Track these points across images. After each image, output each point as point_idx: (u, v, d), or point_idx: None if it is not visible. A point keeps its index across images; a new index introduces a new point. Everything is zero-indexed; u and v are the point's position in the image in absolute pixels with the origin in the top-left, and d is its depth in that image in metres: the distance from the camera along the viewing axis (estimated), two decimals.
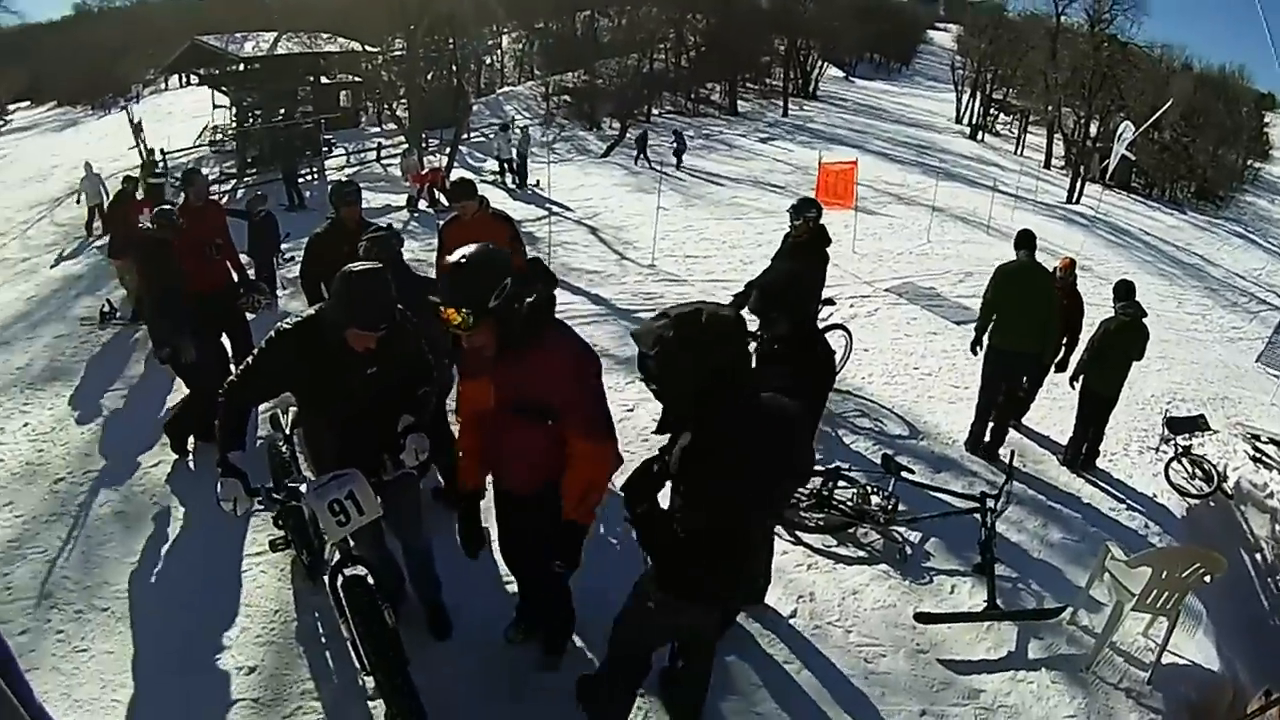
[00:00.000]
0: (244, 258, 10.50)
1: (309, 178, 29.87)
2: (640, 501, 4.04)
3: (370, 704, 5.19)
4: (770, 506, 4.39)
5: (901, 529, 7.22)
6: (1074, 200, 47.22)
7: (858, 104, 70.67)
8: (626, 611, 4.47)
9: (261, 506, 4.96)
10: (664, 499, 4.10)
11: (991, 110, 69.91)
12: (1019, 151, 63.33)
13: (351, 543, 4.85)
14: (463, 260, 4.09)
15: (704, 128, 53.67)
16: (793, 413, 3.85)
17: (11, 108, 66.28)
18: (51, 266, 20.82)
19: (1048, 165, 59.32)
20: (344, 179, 9.62)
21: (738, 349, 3.78)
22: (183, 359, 8.31)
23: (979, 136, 65.61)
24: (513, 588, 6.03)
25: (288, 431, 6.85)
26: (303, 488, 4.78)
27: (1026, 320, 8.94)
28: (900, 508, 7.30)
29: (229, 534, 7.02)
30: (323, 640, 5.92)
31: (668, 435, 4.02)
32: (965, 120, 69.59)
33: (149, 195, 10.81)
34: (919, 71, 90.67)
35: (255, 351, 4.74)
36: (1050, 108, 61.30)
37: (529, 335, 4.24)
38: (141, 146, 30.50)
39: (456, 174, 23.55)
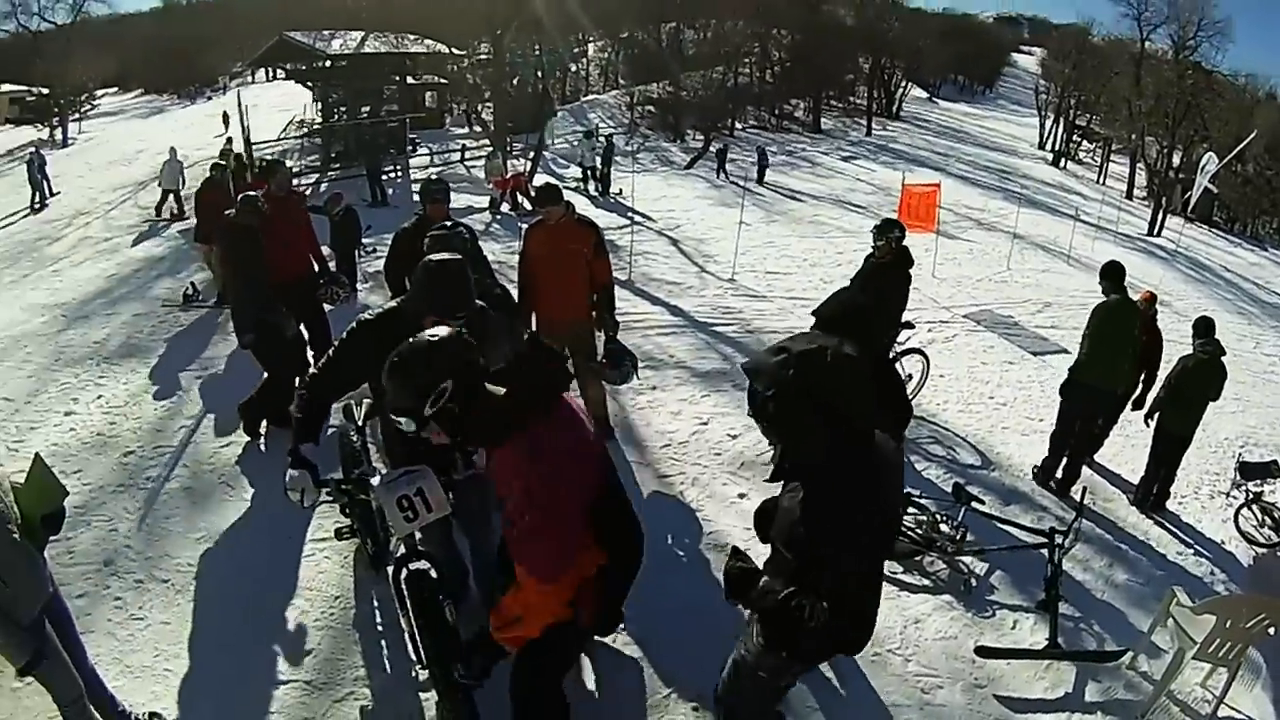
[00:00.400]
0: (325, 250, 10.52)
1: (392, 175, 30.06)
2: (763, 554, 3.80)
3: (421, 695, 5.19)
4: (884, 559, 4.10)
5: (968, 560, 7.11)
6: (1155, 232, 46.30)
7: (941, 126, 70.27)
8: (737, 685, 4.14)
9: (329, 498, 4.98)
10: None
11: (1074, 137, 69.02)
12: (1101, 180, 62.61)
13: (418, 537, 4.83)
14: (395, 359, 3.72)
15: (787, 144, 53.50)
16: (900, 458, 3.68)
17: (100, 93, 67.55)
18: (132, 246, 21.28)
19: (1129, 195, 58.64)
20: (432, 177, 9.64)
21: (862, 392, 3.44)
22: (285, 333, 8.50)
23: (1062, 164, 64.91)
24: None
25: (360, 423, 6.90)
26: (373, 481, 4.77)
27: (1117, 357, 8.79)
28: (968, 538, 7.21)
29: (295, 519, 7.03)
30: (379, 629, 5.92)
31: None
32: (1048, 146, 68.82)
33: (263, 175, 10.87)
34: (1002, 95, 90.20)
35: (336, 344, 4.77)
36: (1133, 136, 60.42)
37: (487, 440, 3.82)
38: (246, 129, 30.99)
39: (540, 179, 23.63)
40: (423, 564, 4.77)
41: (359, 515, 6.09)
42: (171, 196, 26.31)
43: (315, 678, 5.45)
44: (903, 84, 72.74)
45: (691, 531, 7.10)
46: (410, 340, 3.79)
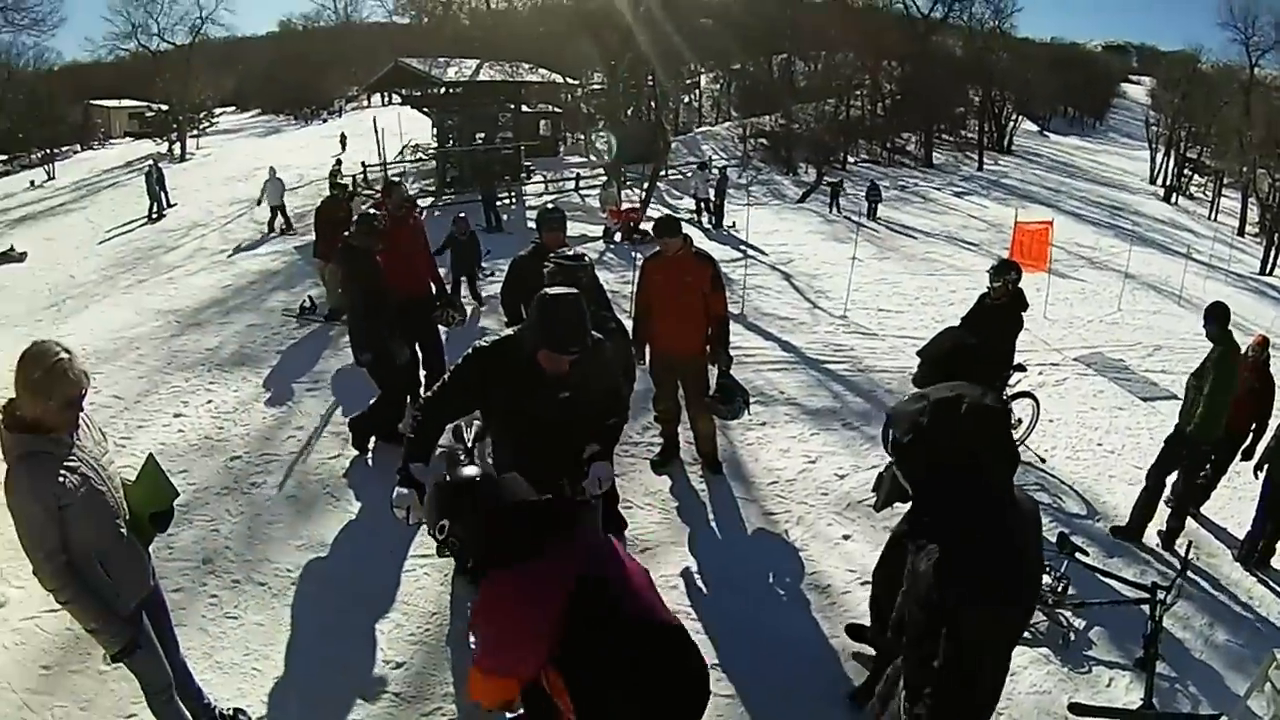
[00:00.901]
0: (444, 272, 10.62)
1: (507, 201, 30.34)
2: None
3: (508, 715, 5.16)
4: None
5: (1067, 612, 6.94)
6: (1267, 271, 45.22)
7: (1052, 160, 69.30)
8: None
9: None
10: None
11: (1185, 171, 67.42)
12: (1213, 216, 61.00)
13: None
14: (431, 488, 3.71)
15: (899, 178, 53.13)
16: (1039, 517, 3.49)
17: (218, 111, 69.46)
18: (247, 259, 21.70)
19: (1241, 232, 57.24)
20: (550, 205, 9.70)
21: (1000, 443, 3.26)
22: (397, 360, 8.47)
23: (1173, 199, 63.47)
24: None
25: (469, 444, 6.90)
26: None
27: (1212, 406, 8.38)
28: (1069, 590, 7.02)
29: (397, 533, 6.88)
30: (473, 647, 5.86)
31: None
32: (1159, 181, 67.27)
33: (382, 195, 11.06)
34: (1112, 127, 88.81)
35: (452, 369, 4.75)
36: (1244, 169, 58.94)
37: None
38: (381, 148, 31.95)
39: (654, 211, 23.69)
40: None
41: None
42: (279, 212, 27.76)
43: (404, 690, 5.46)
44: (1013, 116, 71.90)
45: (794, 571, 6.93)
46: (440, 475, 3.80)
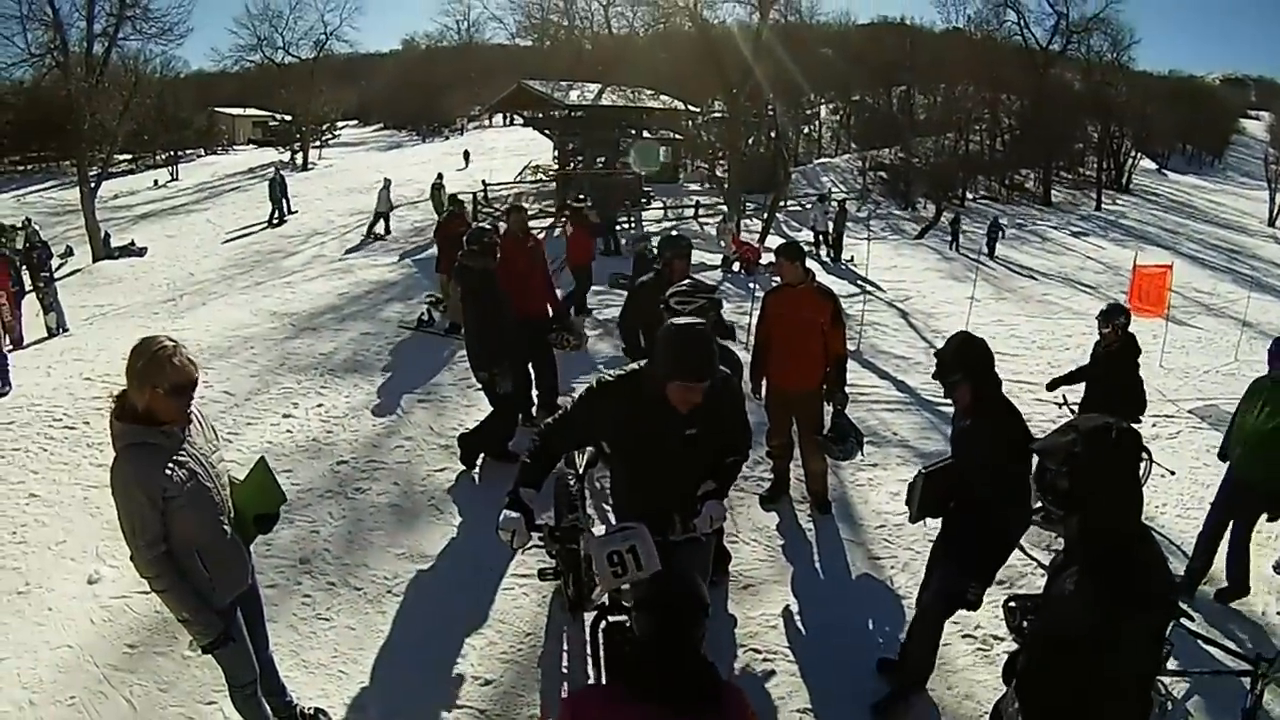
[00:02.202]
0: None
1: (627, 226, 30.43)
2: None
3: None
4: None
5: (1167, 680, 6.64)
6: None
7: (1170, 200, 67.78)
8: None
9: (540, 543, 4.89)
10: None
11: None
12: None
13: (624, 590, 4.71)
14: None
15: (1017, 216, 52.36)
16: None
17: (340, 124, 71.00)
18: (365, 269, 21.89)
19: None
20: (673, 233, 9.69)
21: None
22: (498, 389, 8.37)
23: None
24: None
25: (580, 470, 6.86)
26: (587, 533, 4.71)
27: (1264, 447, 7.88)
28: (1170, 657, 6.72)
29: (498, 552, 6.89)
30: (564, 672, 5.80)
31: None
32: (1278, 223, 65.38)
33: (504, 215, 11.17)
34: (1231, 165, 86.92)
35: (575, 400, 4.65)
36: None
37: None
38: (528, 171, 32.87)
39: (773, 242, 23.59)
40: (623, 617, 4.66)
41: (565, 558, 6.00)
42: (381, 219, 30.18)
43: (490, 708, 5.40)
44: (1132, 153, 70.58)
45: (895, 619, 6.69)
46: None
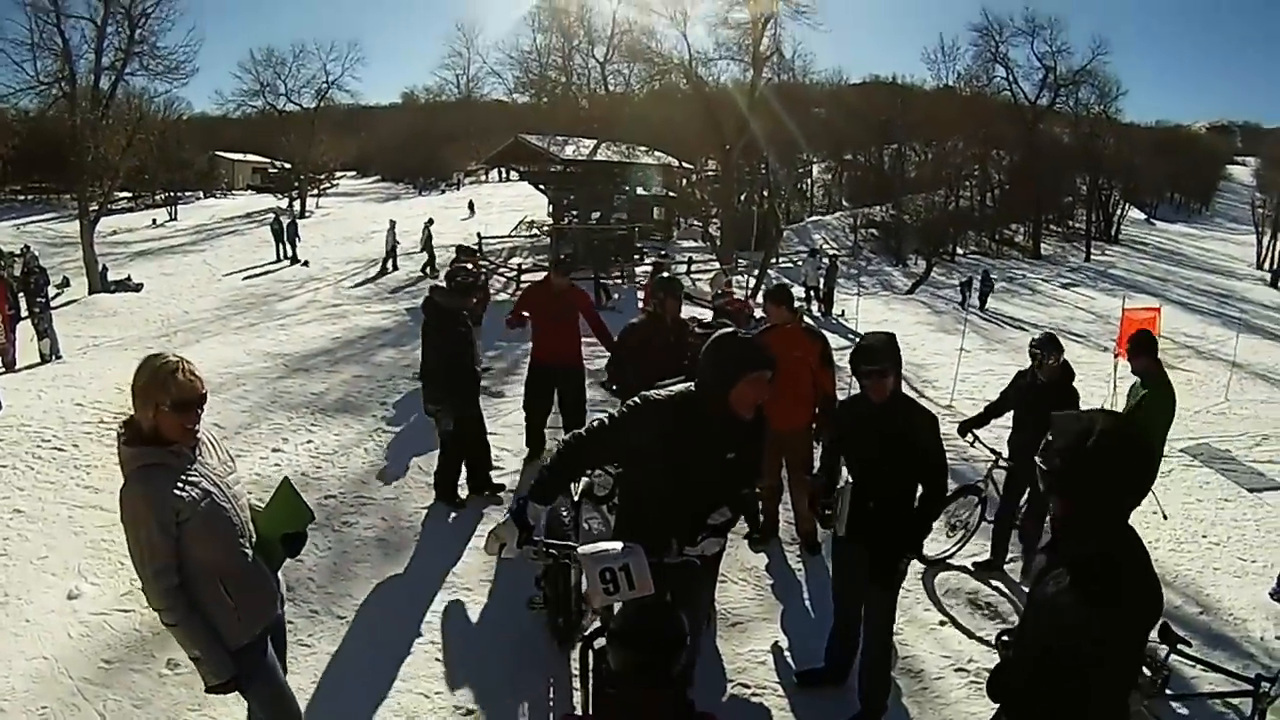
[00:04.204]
0: None
1: (618, 280, 30.61)
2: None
3: None
4: None
5: (1167, 705, 6.66)
6: None
7: (1158, 249, 68.49)
8: None
9: (534, 557, 4.89)
10: None
11: None
12: None
13: (614, 611, 4.70)
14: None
15: (1007, 270, 52.76)
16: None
17: (339, 174, 71.63)
18: (359, 315, 21.96)
19: None
20: (666, 274, 9.86)
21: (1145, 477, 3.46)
22: (439, 425, 8.49)
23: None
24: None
25: (575, 498, 6.88)
26: (580, 549, 4.69)
27: None
28: (1169, 688, 6.75)
29: (485, 586, 7.11)
30: (550, 703, 5.75)
31: None
32: (1266, 265, 65.74)
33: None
34: (1219, 212, 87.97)
35: (618, 414, 4.58)
36: None
37: None
38: (523, 226, 33.93)
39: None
40: None
41: (555, 586, 6.02)
42: (390, 255, 34.44)
43: None
44: (1120, 205, 71.13)
45: None
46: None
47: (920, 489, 5.27)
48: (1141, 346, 8.20)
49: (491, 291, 14.15)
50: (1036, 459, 3.30)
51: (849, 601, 5.72)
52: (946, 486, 5.34)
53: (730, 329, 4.46)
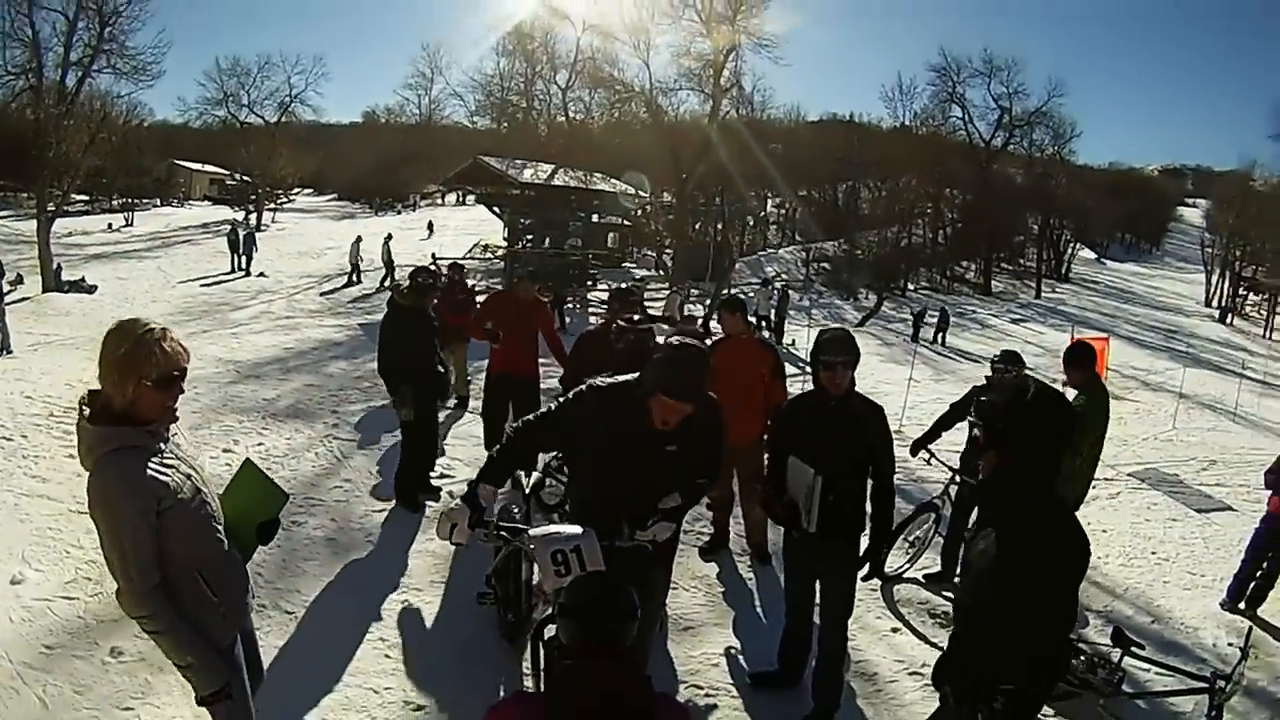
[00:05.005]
0: None
1: (571, 305, 30.68)
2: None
3: None
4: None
5: (1121, 703, 6.76)
6: None
7: (1108, 286, 69.70)
8: None
9: (484, 539, 4.87)
10: None
11: (1241, 290, 67.16)
12: (1268, 335, 60.39)
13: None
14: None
15: (958, 305, 53.35)
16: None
17: (295, 190, 71.60)
18: (312, 328, 21.98)
19: None
20: (625, 285, 10.03)
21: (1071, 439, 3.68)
22: (400, 414, 8.57)
23: (1228, 320, 62.98)
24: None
25: (526, 490, 6.93)
26: (531, 531, 4.68)
27: None
28: (1124, 685, 6.85)
29: (436, 585, 7.13)
30: (500, 696, 5.64)
31: None
32: (1214, 303, 66.90)
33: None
34: (1169, 252, 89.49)
35: (562, 401, 4.70)
36: None
37: None
38: (477, 249, 34.69)
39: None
40: None
41: (505, 582, 6.02)
42: (355, 269, 35.62)
43: None
44: (1072, 244, 72.08)
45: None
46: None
47: (870, 483, 5.35)
48: (1076, 359, 8.15)
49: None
50: (970, 417, 3.51)
51: (803, 600, 5.77)
52: (893, 476, 5.41)
53: (690, 343, 4.42)
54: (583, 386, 4.62)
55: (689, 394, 4.29)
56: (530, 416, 4.76)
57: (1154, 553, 10.47)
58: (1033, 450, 3.36)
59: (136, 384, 3.25)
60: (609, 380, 4.64)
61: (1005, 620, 3.28)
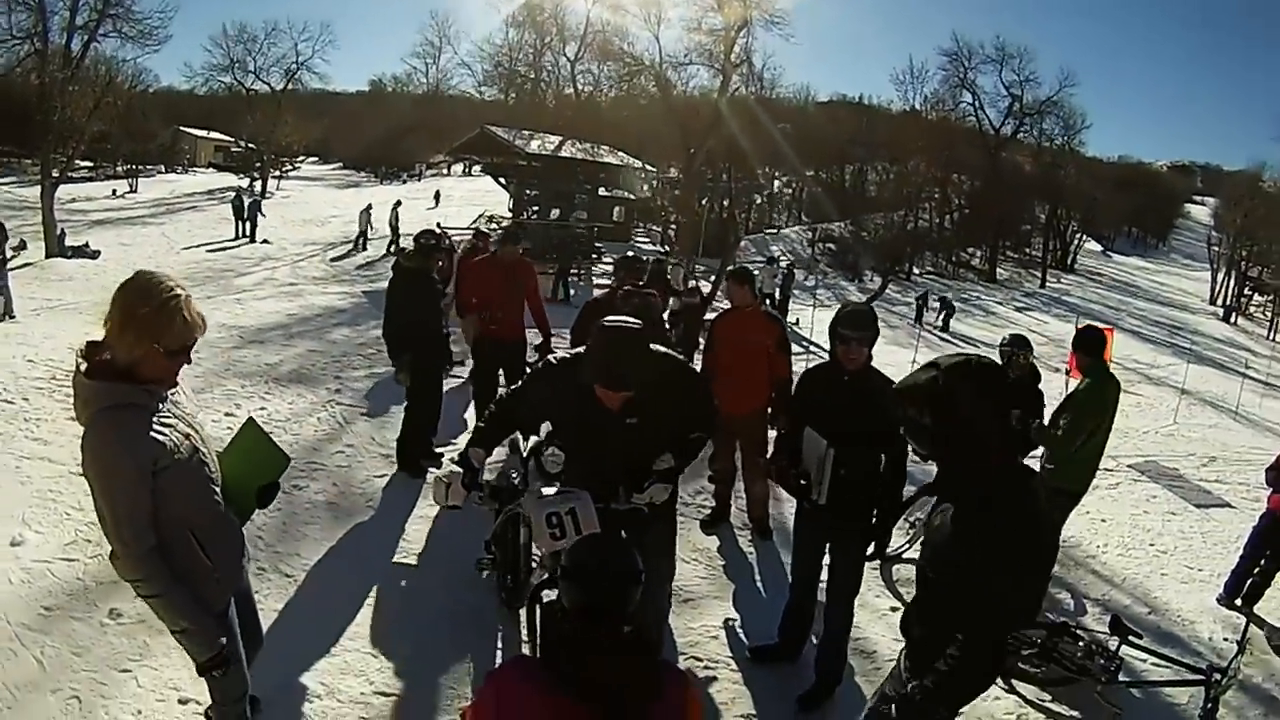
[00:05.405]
0: None
1: (576, 278, 30.66)
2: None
3: None
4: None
5: (1119, 692, 6.76)
6: None
7: (1113, 279, 69.49)
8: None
9: (479, 501, 4.85)
10: None
11: (1246, 290, 67.00)
12: (1272, 336, 60.32)
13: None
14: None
15: (962, 291, 53.26)
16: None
17: (300, 158, 71.23)
18: (315, 295, 21.95)
19: None
20: (630, 253, 9.97)
21: (1006, 398, 3.48)
22: (398, 379, 8.69)
23: (1232, 319, 62.82)
24: None
25: (524, 455, 6.91)
26: (526, 494, 4.68)
27: None
28: (1121, 677, 6.84)
29: (435, 550, 7.17)
30: (497, 664, 5.62)
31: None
32: (1219, 301, 66.69)
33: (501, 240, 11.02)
34: (1175, 249, 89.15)
35: (527, 377, 4.77)
36: None
37: None
38: (482, 220, 34.83)
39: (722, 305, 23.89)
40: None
41: (504, 547, 6.02)
42: (362, 237, 36.19)
43: (418, 697, 5.39)
44: (1078, 235, 71.91)
45: None
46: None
47: (884, 458, 5.29)
48: (1085, 344, 8.15)
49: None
50: (901, 431, 3.41)
51: (810, 574, 5.77)
52: (907, 455, 5.31)
53: (618, 324, 4.35)
54: (543, 362, 4.70)
55: (619, 382, 4.26)
56: (509, 389, 4.83)
57: (1152, 545, 10.46)
58: (966, 437, 3.28)
59: (150, 348, 3.19)
60: (563, 355, 4.68)
61: (960, 596, 3.28)
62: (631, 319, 4.47)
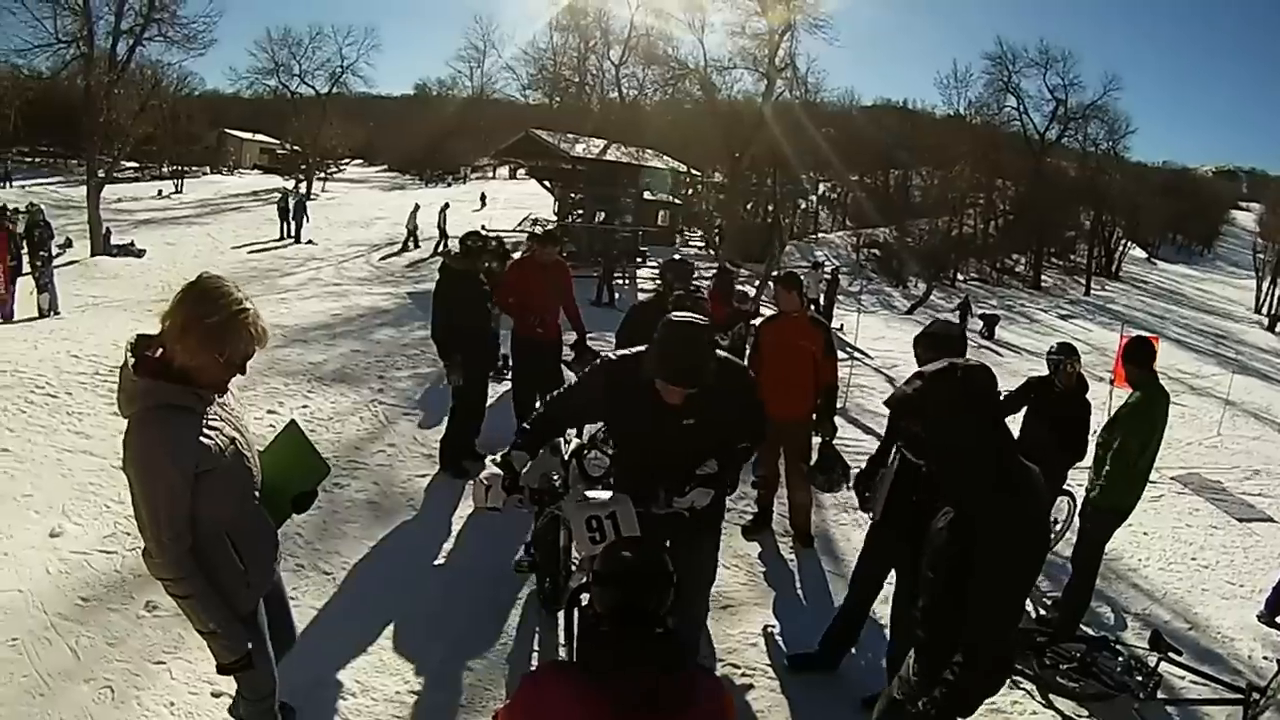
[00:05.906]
0: None
1: (621, 281, 30.64)
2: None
3: None
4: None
5: (1156, 708, 6.66)
6: None
7: (1158, 287, 68.73)
8: None
9: (519, 505, 4.82)
10: None
11: None
12: None
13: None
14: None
15: (1006, 299, 52.81)
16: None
17: (345, 161, 71.88)
18: (360, 296, 21.98)
19: None
20: (678, 257, 9.95)
21: (997, 399, 3.49)
22: (449, 381, 8.62)
23: (1277, 329, 61.86)
24: None
25: (565, 457, 6.85)
26: (566, 496, 4.66)
27: None
28: (1159, 694, 6.74)
29: (475, 550, 7.12)
30: (534, 666, 5.69)
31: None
32: (1264, 310, 65.72)
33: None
34: (1220, 256, 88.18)
35: (580, 376, 4.70)
36: None
37: None
38: (527, 223, 36.59)
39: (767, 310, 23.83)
40: None
41: (544, 550, 5.96)
42: (412, 234, 36.59)
43: (454, 700, 5.35)
44: (1122, 242, 71.14)
45: (876, 644, 6.56)
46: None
47: None
48: (1135, 356, 8.07)
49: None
50: (903, 450, 3.39)
51: (868, 589, 5.74)
52: None
53: (687, 320, 4.28)
54: (599, 360, 4.63)
55: (684, 377, 4.19)
56: (556, 393, 4.74)
57: (1194, 559, 10.35)
58: (958, 444, 3.29)
59: (210, 358, 3.20)
60: (620, 355, 4.60)
61: (960, 598, 3.28)
62: (698, 316, 4.42)
